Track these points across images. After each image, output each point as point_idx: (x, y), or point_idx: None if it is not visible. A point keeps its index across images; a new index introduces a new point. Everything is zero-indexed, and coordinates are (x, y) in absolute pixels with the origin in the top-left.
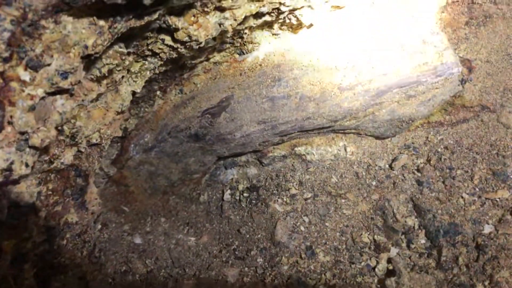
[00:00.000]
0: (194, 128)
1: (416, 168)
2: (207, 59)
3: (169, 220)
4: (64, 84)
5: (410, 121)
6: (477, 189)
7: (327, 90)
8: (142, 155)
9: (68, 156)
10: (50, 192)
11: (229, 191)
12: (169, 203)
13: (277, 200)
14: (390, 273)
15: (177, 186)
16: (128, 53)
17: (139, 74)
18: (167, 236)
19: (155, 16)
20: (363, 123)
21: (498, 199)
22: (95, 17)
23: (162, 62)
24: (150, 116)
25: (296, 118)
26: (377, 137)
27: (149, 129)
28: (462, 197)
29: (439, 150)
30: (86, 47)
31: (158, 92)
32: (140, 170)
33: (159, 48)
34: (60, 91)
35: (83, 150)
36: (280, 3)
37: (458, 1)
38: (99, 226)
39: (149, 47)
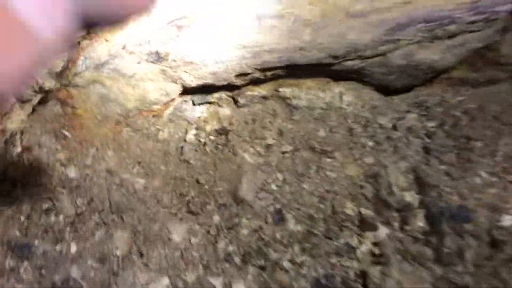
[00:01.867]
0: (154, 43)
1: (425, 132)
2: None
3: (118, 155)
4: None
5: (429, 72)
6: (499, 169)
7: (331, 14)
8: (93, 72)
9: None
10: None
11: (194, 131)
12: (122, 135)
13: (249, 149)
14: (375, 258)
15: (133, 116)
16: None
17: None
18: (110, 174)
19: None
20: (370, 65)
21: None
22: None
23: None
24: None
25: (286, 46)
26: (383, 87)
27: (104, 39)
28: (479, 176)
29: (457, 114)
30: None
31: None
32: (90, 90)
33: None
34: None
35: None
36: None
37: None
38: (19, 149)
39: None
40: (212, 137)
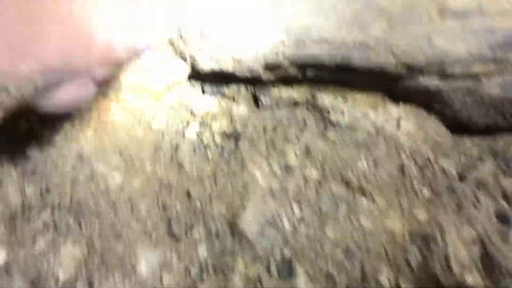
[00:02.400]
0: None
1: (501, 192)
2: None
3: (97, 138)
4: None
5: None
6: None
7: (419, 6)
8: None
9: None
10: None
11: (196, 127)
12: (108, 113)
13: (262, 166)
14: None
15: (126, 92)
16: None
17: None
18: (81, 160)
19: None
20: (454, 89)
21: None
22: None
23: None
24: None
25: (343, 39)
26: (455, 122)
27: None
28: None
29: None
30: None
31: None
32: None
33: None
34: None
35: None
36: None
37: None
38: None
39: None
40: (217, 140)
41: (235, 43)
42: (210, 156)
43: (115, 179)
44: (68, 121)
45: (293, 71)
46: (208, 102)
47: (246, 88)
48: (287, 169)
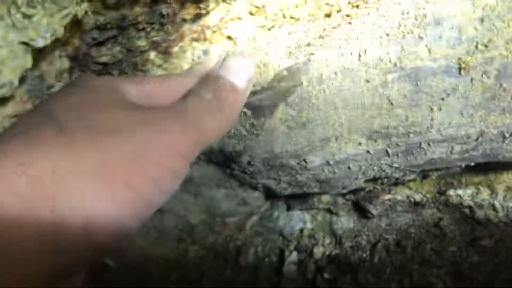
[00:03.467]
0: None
1: None
2: None
3: None
4: None
5: None
6: None
7: None
8: None
9: None
10: None
11: (294, 256)
12: (188, 256)
13: None
14: None
15: (199, 232)
16: None
17: None
18: None
19: None
20: None
21: None
22: None
23: None
24: None
25: (479, 131)
26: None
27: None
28: None
29: None
30: None
31: None
32: None
33: None
34: None
35: None
36: None
37: None
38: None
39: None
40: (326, 274)
41: None
42: None
43: None
44: None
45: (407, 177)
46: (298, 218)
47: (343, 195)
48: None
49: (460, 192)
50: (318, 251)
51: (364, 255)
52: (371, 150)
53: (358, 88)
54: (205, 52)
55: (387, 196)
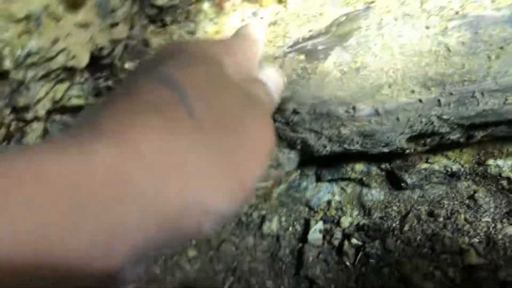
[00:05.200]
0: None
1: None
2: None
3: (203, 256)
4: None
5: None
6: None
7: None
8: None
9: None
10: None
11: (320, 225)
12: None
13: (433, 274)
14: None
15: None
16: None
17: None
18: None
19: None
20: None
21: None
22: None
23: None
24: None
25: None
26: None
27: None
28: None
29: None
30: None
31: None
32: None
33: None
34: None
35: None
36: None
37: None
38: None
39: None
40: (355, 241)
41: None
42: (348, 263)
43: None
44: None
45: (452, 135)
46: (327, 189)
47: (378, 165)
48: None
49: (500, 162)
50: (345, 221)
51: (394, 224)
52: (423, 98)
53: (418, 34)
54: (254, 14)
55: (424, 165)
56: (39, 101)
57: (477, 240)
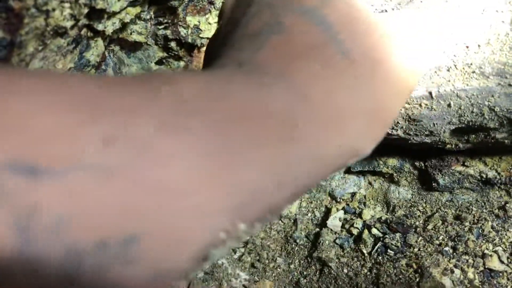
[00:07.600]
0: None
1: None
2: None
3: None
4: None
5: None
6: None
7: None
8: None
9: None
10: None
11: (341, 213)
12: None
13: (452, 270)
14: None
15: None
16: None
17: None
18: None
19: None
20: None
21: None
22: None
23: None
24: None
25: None
26: None
27: None
28: None
29: None
30: None
31: None
32: None
33: None
34: None
35: None
36: None
37: None
38: None
39: None
40: (375, 231)
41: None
42: (365, 251)
43: (241, 277)
44: None
45: (498, 134)
46: (353, 182)
47: (412, 162)
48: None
49: None
50: (367, 213)
51: (417, 222)
52: (480, 85)
53: (486, 22)
54: None
55: (459, 168)
56: (113, 14)
57: (502, 248)
